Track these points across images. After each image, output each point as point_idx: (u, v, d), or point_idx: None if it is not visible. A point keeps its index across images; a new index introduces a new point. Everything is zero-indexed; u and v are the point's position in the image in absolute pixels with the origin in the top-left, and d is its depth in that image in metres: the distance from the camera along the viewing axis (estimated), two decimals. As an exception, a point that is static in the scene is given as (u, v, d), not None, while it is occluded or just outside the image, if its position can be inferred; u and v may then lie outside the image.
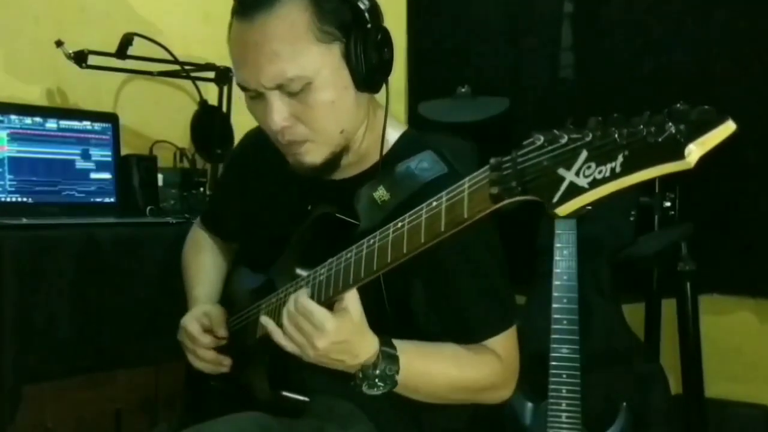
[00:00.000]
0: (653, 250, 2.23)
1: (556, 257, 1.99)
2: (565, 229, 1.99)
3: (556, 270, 1.98)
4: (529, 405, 2.04)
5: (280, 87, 1.10)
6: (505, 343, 1.19)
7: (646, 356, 2.23)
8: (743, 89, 2.33)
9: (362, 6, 1.10)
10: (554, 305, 1.96)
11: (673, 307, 2.25)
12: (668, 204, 2.26)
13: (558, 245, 1.99)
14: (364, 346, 1.07)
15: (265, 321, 1.14)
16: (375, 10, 1.12)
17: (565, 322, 1.95)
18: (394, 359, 1.08)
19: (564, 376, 1.94)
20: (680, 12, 2.47)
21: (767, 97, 2.30)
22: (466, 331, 1.18)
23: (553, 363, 1.95)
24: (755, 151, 2.27)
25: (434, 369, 1.15)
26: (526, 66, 2.77)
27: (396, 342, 1.10)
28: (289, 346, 1.09)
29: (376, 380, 1.08)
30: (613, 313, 2.18)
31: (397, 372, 1.08)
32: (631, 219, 2.17)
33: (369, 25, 1.10)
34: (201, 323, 1.31)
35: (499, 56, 2.82)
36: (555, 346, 1.95)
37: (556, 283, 1.97)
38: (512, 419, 2.05)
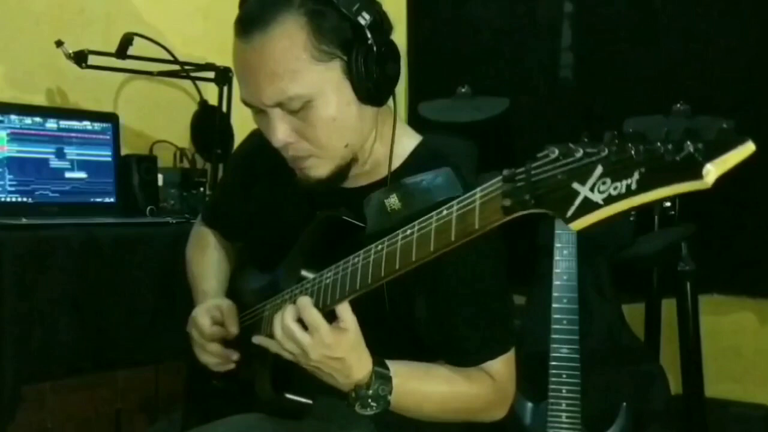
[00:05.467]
0: (653, 250, 2.22)
1: (556, 257, 1.99)
2: (565, 229, 1.99)
3: (556, 270, 1.98)
4: (529, 405, 2.03)
5: (280, 105, 1.10)
6: (500, 367, 1.19)
7: (646, 356, 2.23)
8: (743, 89, 2.33)
9: (362, 21, 1.09)
10: (554, 305, 1.96)
11: (673, 307, 2.25)
12: (668, 204, 2.25)
13: (558, 245, 1.99)
14: (358, 366, 1.08)
15: (259, 340, 1.15)
16: (378, 24, 1.11)
17: (565, 322, 1.95)
18: (387, 380, 1.09)
19: (564, 376, 1.94)
20: (680, 12, 2.47)
21: (767, 97, 2.30)
22: (462, 353, 1.18)
23: (553, 363, 1.95)
24: (755, 151, 2.26)
25: (427, 390, 1.16)
26: (526, 66, 2.77)
27: (389, 363, 1.11)
28: (285, 353, 1.09)
29: (369, 400, 1.08)
30: (613, 313, 2.18)
31: (390, 392, 1.09)
32: (631, 219, 2.17)
33: (370, 41, 1.09)
34: (212, 316, 1.31)
35: (499, 56, 2.82)
36: (555, 346, 1.95)
37: (556, 283, 1.97)
38: (512, 419, 2.05)
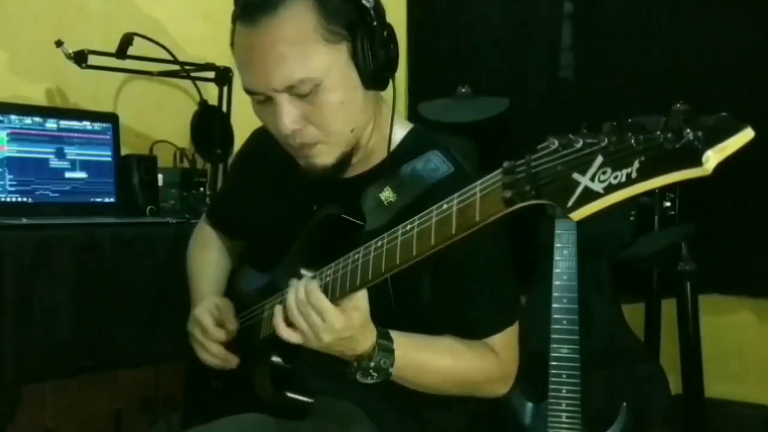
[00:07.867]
0: (653, 250, 2.23)
1: (556, 257, 1.99)
2: (565, 229, 1.99)
3: (556, 270, 1.98)
4: (529, 405, 2.03)
5: (289, 89, 1.10)
6: (504, 341, 1.20)
7: (646, 356, 2.23)
8: (743, 89, 2.33)
9: (367, 4, 1.10)
10: (554, 305, 1.96)
11: (673, 307, 2.25)
12: (668, 204, 2.26)
13: (558, 245, 1.99)
14: (364, 340, 1.08)
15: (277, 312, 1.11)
16: (379, 8, 1.13)
17: (565, 322, 1.95)
18: (389, 352, 1.09)
19: (564, 376, 1.94)
20: (680, 12, 2.47)
21: (767, 97, 2.30)
22: (467, 327, 1.19)
23: (553, 363, 1.95)
24: (755, 151, 2.26)
25: (429, 362, 1.16)
26: (526, 66, 2.77)
27: (393, 334, 1.11)
28: (293, 338, 1.08)
29: (371, 371, 1.09)
30: (613, 313, 2.18)
31: (392, 365, 1.10)
32: (631, 219, 2.17)
33: (375, 23, 1.10)
34: (213, 316, 1.31)
35: (499, 56, 2.82)
36: (555, 346, 1.95)
37: (556, 283, 1.97)
38: (512, 419, 2.05)
